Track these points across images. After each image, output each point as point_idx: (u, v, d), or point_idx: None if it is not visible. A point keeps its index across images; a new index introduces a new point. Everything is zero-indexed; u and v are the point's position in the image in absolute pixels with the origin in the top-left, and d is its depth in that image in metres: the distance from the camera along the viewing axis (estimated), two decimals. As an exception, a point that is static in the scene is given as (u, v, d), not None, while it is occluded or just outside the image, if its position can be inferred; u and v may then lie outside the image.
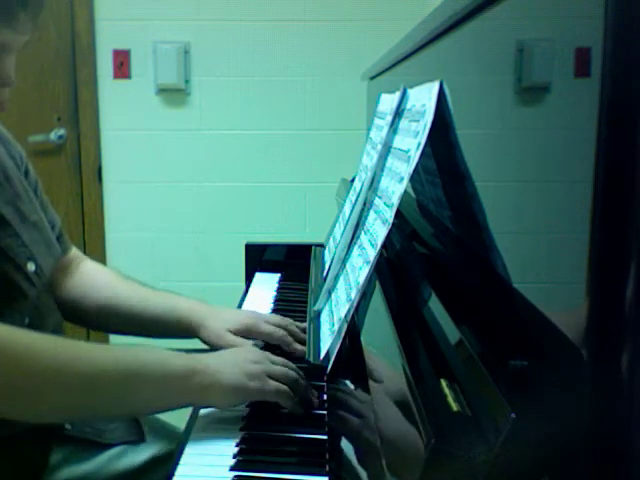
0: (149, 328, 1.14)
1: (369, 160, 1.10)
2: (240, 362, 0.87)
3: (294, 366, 0.93)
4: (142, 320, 1.12)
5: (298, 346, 1.07)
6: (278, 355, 0.96)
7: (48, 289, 1.05)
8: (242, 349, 0.95)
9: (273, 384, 0.86)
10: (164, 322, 1.11)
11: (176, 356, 0.85)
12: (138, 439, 1.08)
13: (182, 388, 0.83)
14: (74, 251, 1.20)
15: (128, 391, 0.82)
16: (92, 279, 1.17)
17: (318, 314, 1.06)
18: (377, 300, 0.84)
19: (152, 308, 1.12)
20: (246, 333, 1.08)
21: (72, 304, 1.14)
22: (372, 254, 0.83)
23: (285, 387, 0.87)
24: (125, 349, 0.86)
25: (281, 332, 1.08)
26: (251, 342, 1.06)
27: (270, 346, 1.08)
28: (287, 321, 1.12)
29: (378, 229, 0.83)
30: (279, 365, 0.90)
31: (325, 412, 0.90)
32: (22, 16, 0.87)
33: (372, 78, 1.70)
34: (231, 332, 1.07)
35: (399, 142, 0.87)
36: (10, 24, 0.87)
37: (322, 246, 1.43)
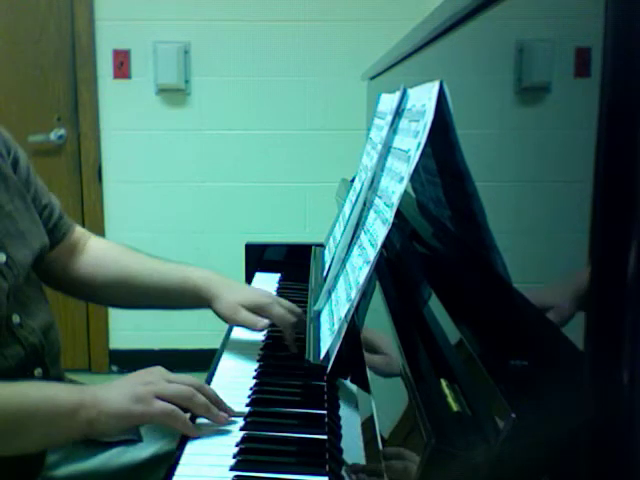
0: (162, 299, 1.14)
1: (369, 160, 1.10)
2: (128, 386, 0.85)
3: (193, 381, 0.88)
4: (155, 292, 1.12)
5: (294, 346, 1.08)
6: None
7: (35, 284, 1.05)
8: (139, 372, 0.89)
9: (158, 405, 0.82)
10: (177, 292, 1.11)
11: (66, 389, 0.85)
12: (135, 438, 1.08)
13: (70, 424, 0.82)
14: (79, 230, 1.19)
15: (17, 432, 0.82)
16: (101, 255, 1.17)
17: (318, 314, 1.06)
18: (377, 300, 0.84)
19: (164, 279, 1.12)
20: (260, 311, 1.07)
21: (82, 281, 1.14)
22: (372, 254, 0.83)
23: (172, 407, 0.83)
24: (15, 388, 0.85)
25: (292, 319, 1.08)
26: (265, 321, 1.04)
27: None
28: (299, 310, 1.12)
29: (378, 229, 0.83)
30: (176, 383, 0.86)
31: (325, 412, 0.90)
32: None
33: (372, 78, 1.70)
34: (245, 308, 1.06)
35: (399, 142, 0.87)
36: None
37: (322, 246, 1.43)
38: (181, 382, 0.86)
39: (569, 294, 0.46)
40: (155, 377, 0.86)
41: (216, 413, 0.86)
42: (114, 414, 0.82)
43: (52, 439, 0.86)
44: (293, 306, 1.12)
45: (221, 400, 0.89)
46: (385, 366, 0.70)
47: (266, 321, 1.04)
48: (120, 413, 0.83)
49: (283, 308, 1.09)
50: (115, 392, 0.84)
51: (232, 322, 1.08)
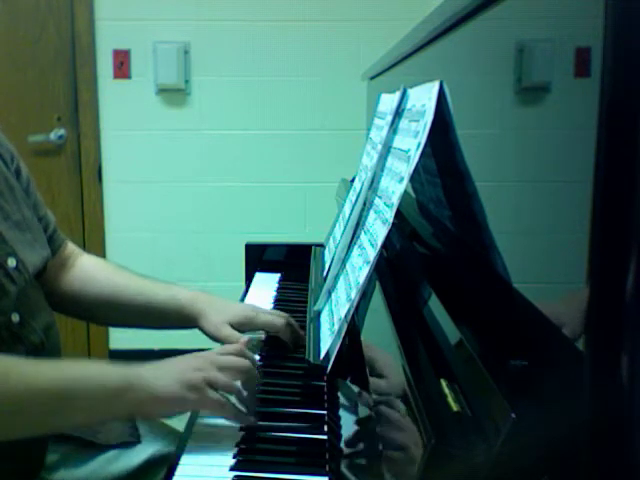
0: (150, 319, 1.14)
1: (369, 160, 1.10)
2: (179, 371, 0.84)
3: (245, 365, 0.89)
4: (143, 311, 1.13)
5: (301, 332, 1.10)
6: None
7: (37, 286, 1.05)
8: (186, 356, 0.89)
9: (213, 396, 0.83)
10: (165, 312, 1.12)
11: (112, 369, 0.84)
12: (134, 440, 1.08)
13: (117, 402, 0.81)
14: (71, 246, 1.20)
15: (62, 408, 0.81)
16: (91, 272, 1.17)
17: (318, 314, 1.06)
18: (377, 300, 0.84)
19: (153, 299, 1.12)
20: (247, 324, 1.08)
21: (72, 298, 1.15)
22: (372, 254, 0.83)
23: (225, 400, 0.83)
24: (61, 365, 0.85)
25: (282, 321, 1.09)
26: (247, 336, 1.05)
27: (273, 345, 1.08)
28: (285, 314, 1.13)
29: (378, 229, 0.83)
30: (225, 369, 0.86)
31: (325, 412, 0.90)
32: None
33: (372, 78, 1.70)
34: (232, 324, 1.07)
35: (399, 142, 0.87)
36: None
37: (322, 246, 1.43)
38: (232, 368, 0.87)
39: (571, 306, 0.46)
40: (205, 363, 0.86)
41: (243, 416, 0.87)
42: (167, 399, 0.82)
43: (96, 418, 0.86)
44: (277, 312, 1.14)
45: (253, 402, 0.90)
46: (390, 389, 0.69)
47: (246, 337, 1.04)
48: (174, 399, 0.82)
49: (268, 315, 1.11)
50: (166, 377, 0.83)
51: (217, 339, 1.08)
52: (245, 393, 0.89)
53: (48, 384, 0.80)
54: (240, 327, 1.08)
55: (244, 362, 0.89)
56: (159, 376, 0.83)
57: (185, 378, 0.82)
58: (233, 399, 0.87)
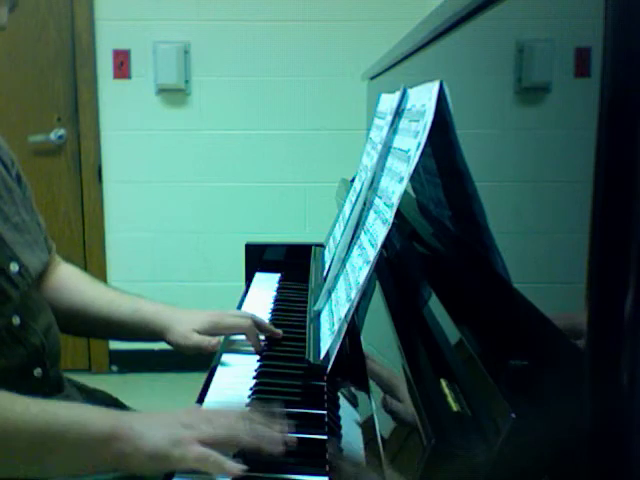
0: (116, 331, 1.15)
1: (369, 160, 1.10)
2: (167, 427, 0.79)
3: (236, 415, 0.81)
4: (109, 323, 1.13)
5: (259, 345, 1.10)
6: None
7: (38, 287, 1.05)
8: (178, 412, 0.83)
9: (197, 451, 0.76)
10: (130, 325, 1.12)
11: (99, 417, 0.79)
12: None
13: (100, 454, 0.77)
14: (53, 254, 1.20)
15: (43, 453, 0.78)
16: (63, 282, 1.17)
17: (318, 314, 1.06)
18: (377, 300, 0.84)
19: (118, 312, 1.12)
20: (213, 329, 1.10)
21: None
22: (372, 254, 0.83)
23: (209, 453, 0.76)
24: (44, 407, 0.80)
25: (247, 321, 1.11)
26: (216, 339, 1.07)
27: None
28: (249, 313, 1.15)
29: (378, 229, 0.83)
30: (218, 423, 0.79)
31: (325, 412, 0.90)
32: None
33: (372, 78, 1.70)
34: (198, 332, 1.08)
35: (399, 142, 0.87)
36: None
37: (322, 246, 1.43)
38: (224, 419, 0.80)
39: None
40: (195, 419, 0.80)
41: (268, 442, 0.78)
42: (151, 454, 0.76)
43: (77, 467, 0.80)
44: (242, 312, 1.17)
45: (273, 420, 0.81)
46: (390, 389, 0.69)
47: (216, 339, 1.06)
48: (158, 455, 0.76)
49: (232, 317, 1.13)
50: (154, 430, 0.78)
51: (187, 349, 1.08)
52: (245, 437, 0.79)
53: (31, 426, 0.76)
54: (206, 333, 1.09)
55: (237, 415, 0.82)
56: (148, 429, 0.78)
57: (173, 433, 0.78)
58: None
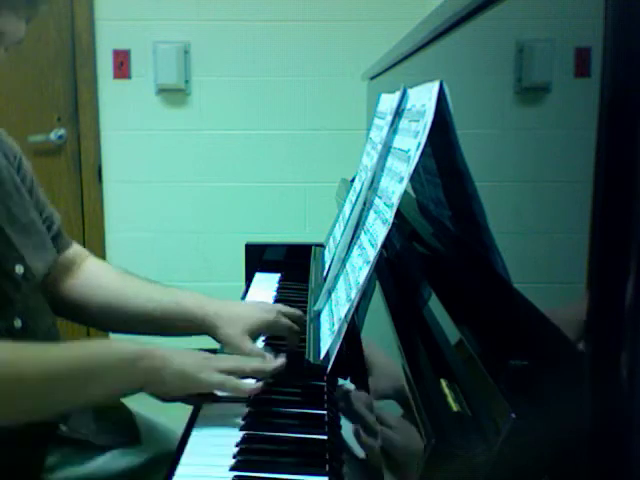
0: (157, 326, 1.10)
1: (369, 160, 1.10)
2: (191, 356, 0.89)
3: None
4: (150, 319, 1.09)
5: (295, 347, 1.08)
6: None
7: (40, 290, 1.03)
8: (201, 352, 0.93)
9: (218, 376, 0.88)
10: (173, 320, 1.08)
11: (126, 344, 0.88)
12: (133, 441, 1.08)
13: (133, 372, 0.85)
14: (76, 248, 1.16)
15: (83, 385, 0.84)
16: (96, 278, 1.13)
17: (318, 314, 1.06)
18: (377, 300, 0.84)
19: (160, 306, 1.08)
20: (266, 331, 1.08)
21: (75, 303, 1.11)
22: (372, 254, 0.83)
23: (230, 377, 0.89)
24: (75, 343, 0.88)
25: (295, 326, 1.08)
26: (279, 361, 0.95)
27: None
28: (300, 312, 1.11)
29: (378, 229, 0.83)
30: (230, 361, 0.92)
31: (325, 412, 0.90)
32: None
33: (372, 78, 1.70)
34: (252, 331, 1.03)
35: (399, 142, 0.87)
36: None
37: (322, 246, 1.43)
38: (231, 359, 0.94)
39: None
40: (210, 356, 0.92)
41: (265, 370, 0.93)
42: (180, 373, 0.86)
43: (111, 389, 0.87)
44: (292, 310, 1.10)
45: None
46: (390, 389, 0.69)
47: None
48: (185, 374, 0.86)
49: (287, 319, 1.07)
50: (182, 356, 0.88)
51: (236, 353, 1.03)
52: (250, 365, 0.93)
53: (66, 364, 0.83)
54: (257, 334, 1.05)
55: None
56: (173, 352, 0.88)
57: (197, 360, 0.88)
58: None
